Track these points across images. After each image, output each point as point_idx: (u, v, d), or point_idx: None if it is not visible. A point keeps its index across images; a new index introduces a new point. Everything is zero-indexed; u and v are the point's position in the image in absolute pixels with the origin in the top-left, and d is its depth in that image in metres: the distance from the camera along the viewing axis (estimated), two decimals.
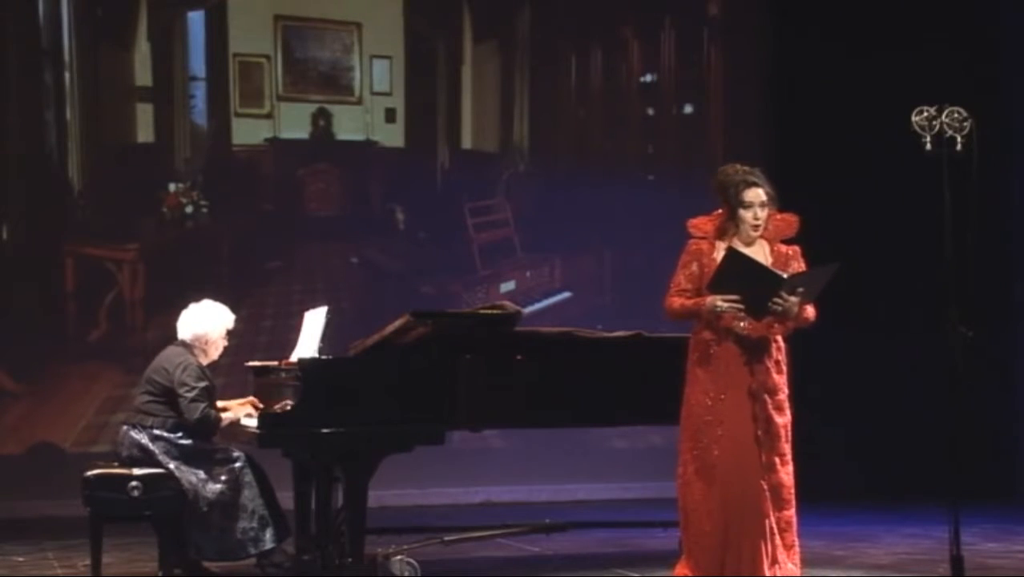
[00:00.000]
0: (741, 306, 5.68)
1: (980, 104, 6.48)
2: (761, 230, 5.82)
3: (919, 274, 9.08)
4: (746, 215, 5.79)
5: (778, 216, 5.90)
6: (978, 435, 9.52)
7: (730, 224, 5.84)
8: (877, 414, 10.40)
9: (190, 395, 6.35)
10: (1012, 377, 10.69)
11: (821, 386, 9.57)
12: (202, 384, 6.39)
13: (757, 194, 5.78)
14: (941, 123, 6.19)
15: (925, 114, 6.21)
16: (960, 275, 6.23)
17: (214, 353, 6.60)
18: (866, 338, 10.31)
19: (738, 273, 5.64)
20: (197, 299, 6.66)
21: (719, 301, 5.69)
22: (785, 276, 5.67)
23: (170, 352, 6.53)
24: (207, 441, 6.51)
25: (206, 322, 6.57)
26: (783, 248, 5.90)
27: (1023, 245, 10.74)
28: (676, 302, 5.83)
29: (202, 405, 6.36)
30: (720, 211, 5.90)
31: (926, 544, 7.82)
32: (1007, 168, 10.47)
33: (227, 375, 9.18)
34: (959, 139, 6.18)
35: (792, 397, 5.93)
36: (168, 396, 6.41)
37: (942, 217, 6.22)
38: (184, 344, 6.56)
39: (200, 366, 6.48)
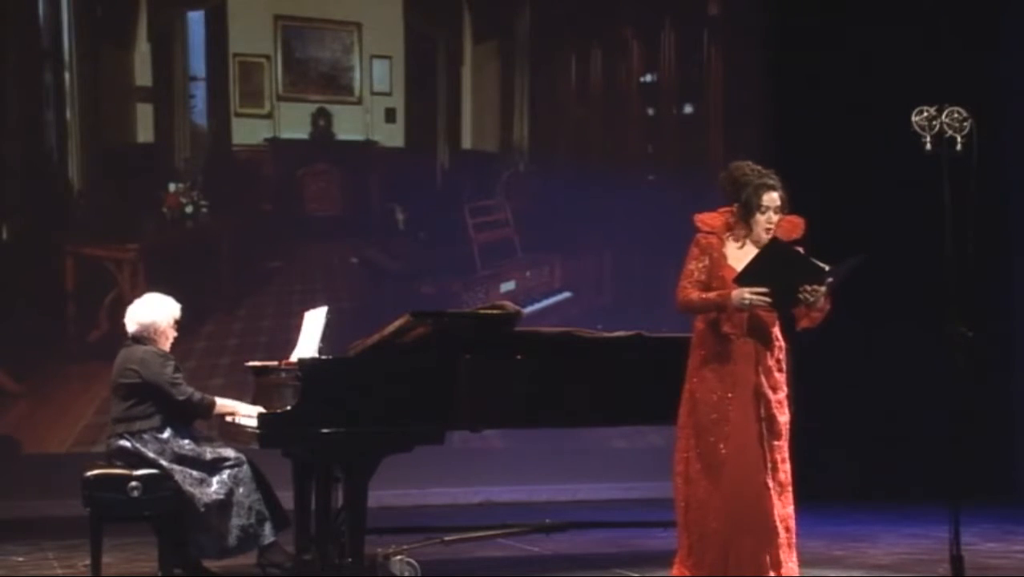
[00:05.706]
0: (769, 299, 5.62)
1: (980, 104, 6.48)
2: (772, 233, 5.77)
3: (919, 274, 9.08)
4: (761, 219, 5.72)
5: (785, 218, 5.87)
6: (978, 435, 9.52)
7: (741, 224, 5.78)
8: (877, 414, 10.40)
9: (171, 379, 6.35)
10: (1012, 377, 10.69)
11: (821, 386, 9.55)
12: (171, 363, 6.39)
13: (773, 199, 5.72)
14: (941, 123, 6.19)
15: (925, 114, 6.21)
16: (960, 275, 6.23)
17: (165, 343, 6.54)
18: (866, 338, 10.31)
19: (776, 263, 5.55)
20: (198, 299, 6.65)
21: (747, 294, 5.60)
22: (828, 268, 5.59)
23: (125, 354, 6.48)
24: (204, 421, 6.52)
25: (152, 312, 6.52)
26: None
27: (1022, 245, 10.74)
28: (694, 294, 5.73)
29: (184, 386, 6.37)
30: (728, 208, 5.83)
31: (926, 544, 7.82)
32: (1007, 168, 10.47)
33: (227, 375, 9.22)
34: (959, 139, 6.18)
35: (793, 397, 5.92)
36: (143, 394, 6.37)
37: (942, 217, 6.22)
38: (135, 340, 6.50)
39: (159, 352, 6.45)
